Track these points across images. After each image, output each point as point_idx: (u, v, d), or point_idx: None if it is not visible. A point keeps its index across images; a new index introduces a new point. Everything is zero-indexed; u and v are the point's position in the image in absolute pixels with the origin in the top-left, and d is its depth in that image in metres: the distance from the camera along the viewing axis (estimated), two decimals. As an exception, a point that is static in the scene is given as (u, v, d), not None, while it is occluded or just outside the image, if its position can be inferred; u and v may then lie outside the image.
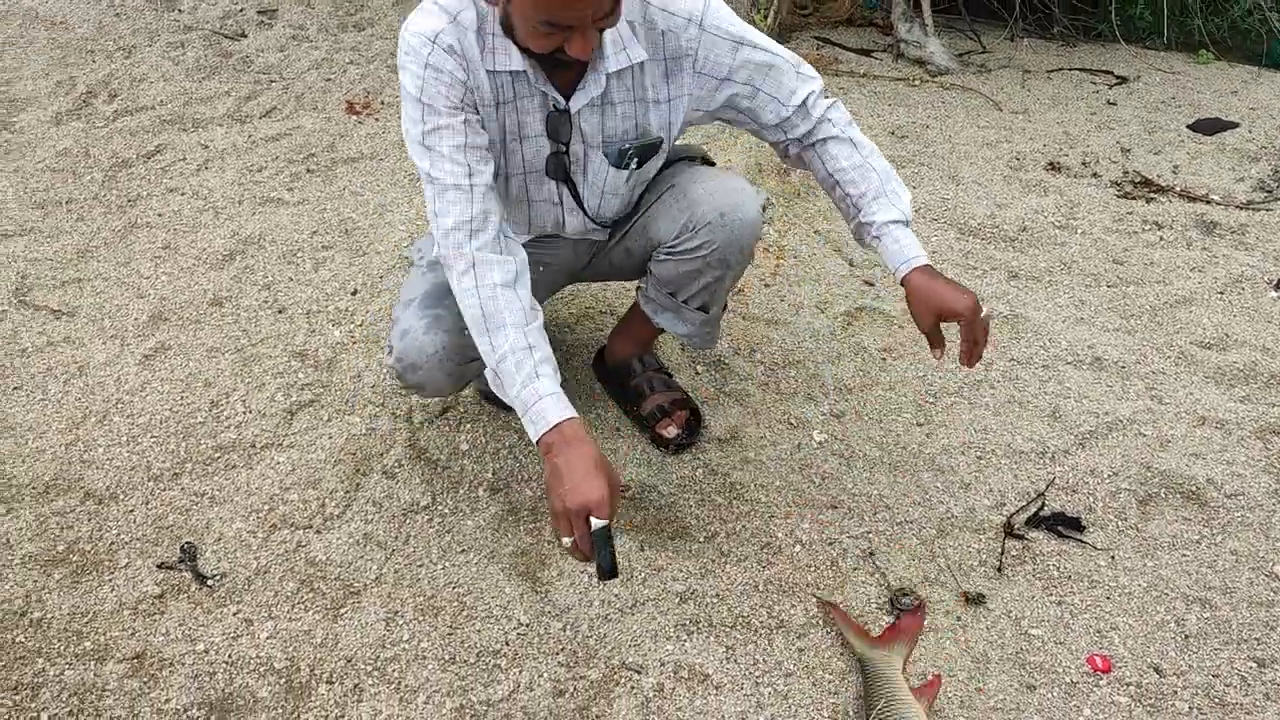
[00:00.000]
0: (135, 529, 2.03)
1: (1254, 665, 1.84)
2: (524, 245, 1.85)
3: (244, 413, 2.30)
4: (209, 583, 1.93)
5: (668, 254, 2.01)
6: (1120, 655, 1.85)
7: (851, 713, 1.74)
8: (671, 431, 2.22)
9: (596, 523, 1.57)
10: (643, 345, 2.32)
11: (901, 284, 1.80)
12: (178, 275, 2.75)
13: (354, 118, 3.63)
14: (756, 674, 1.81)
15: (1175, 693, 1.79)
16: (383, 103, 3.74)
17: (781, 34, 4.29)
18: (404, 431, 2.26)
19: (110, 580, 1.93)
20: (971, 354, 1.76)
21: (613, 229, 2.05)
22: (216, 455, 2.19)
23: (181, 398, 2.34)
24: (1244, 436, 2.32)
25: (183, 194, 3.12)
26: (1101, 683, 1.81)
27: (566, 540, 1.60)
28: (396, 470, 2.17)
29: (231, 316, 2.60)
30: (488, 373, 1.71)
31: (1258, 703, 1.78)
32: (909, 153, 3.53)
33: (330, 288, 2.71)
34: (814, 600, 1.92)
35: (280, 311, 2.62)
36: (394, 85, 3.84)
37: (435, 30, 1.69)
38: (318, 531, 2.04)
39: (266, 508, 2.08)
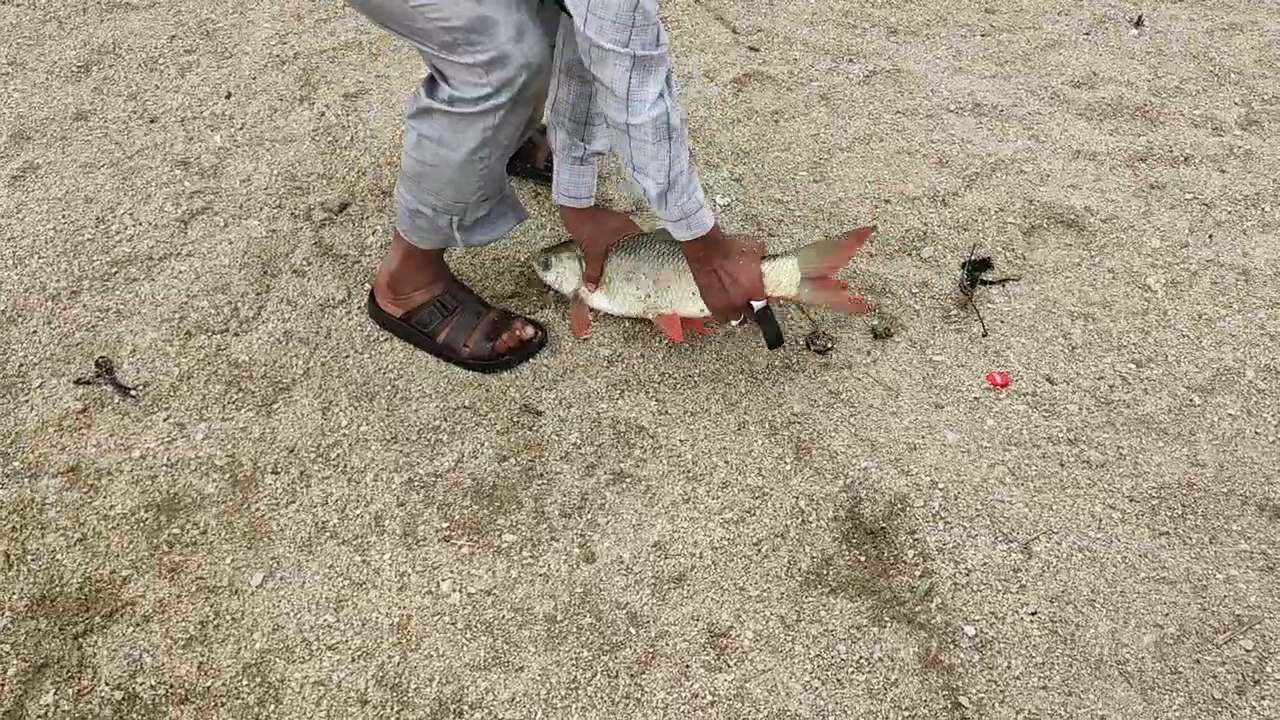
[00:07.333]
0: (42, 349, 1.97)
1: (1133, 366, 2.02)
2: None
3: (134, 225, 2.22)
4: (132, 393, 1.90)
5: None
6: (1016, 371, 2.01)
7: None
8: None
9: (756, 304, 1.84)
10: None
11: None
12: (31, 91, 2.56)
13: (191, -88, 3.35)
14: (687, 419, 1.91)
15: (1066, 397, 1.96)
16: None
17: None
18: (306, 230, 2.22)
19: (27, 400, 1.89)
20: None
21: None
22: (114, 270, 2.12)
23: (64, 216, 2.23)
24: (1114, 165, 2.46)
25: (17, 4, 2.87)
26: (1001, 396, 1.96)
27: (734, 323, 1.98)
28: (306, 268, 2.14)
29: (100, 130, 2.46)
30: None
31: (1138, 398, 1.96)
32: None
33: (201, 93, 2.58)
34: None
35: (152, 121, 2.49)
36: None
37: None
38: (235, 334, 2.02)
39: (178, 316, 2.04)
